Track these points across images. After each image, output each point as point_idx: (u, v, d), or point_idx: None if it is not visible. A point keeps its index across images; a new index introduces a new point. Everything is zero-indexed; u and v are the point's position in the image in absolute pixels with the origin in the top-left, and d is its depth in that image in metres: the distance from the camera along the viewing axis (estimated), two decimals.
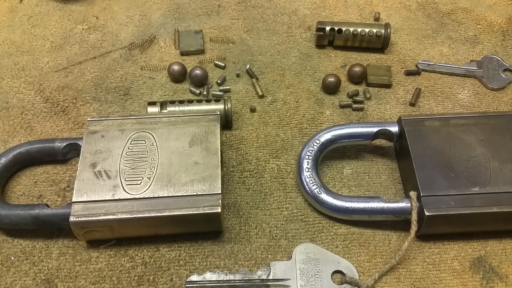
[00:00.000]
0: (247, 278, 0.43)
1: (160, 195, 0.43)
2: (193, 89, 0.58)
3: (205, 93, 0.58)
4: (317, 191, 0.47)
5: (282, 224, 0.47)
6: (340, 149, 0.53)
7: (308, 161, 0.49)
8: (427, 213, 0.43)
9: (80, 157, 0.46)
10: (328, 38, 0.62)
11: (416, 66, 0.61)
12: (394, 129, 0.50)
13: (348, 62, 0.62)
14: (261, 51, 0.63)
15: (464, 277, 0.44)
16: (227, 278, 0.43)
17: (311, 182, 0.47)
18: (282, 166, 0.52)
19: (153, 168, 0.45)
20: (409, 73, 0.60)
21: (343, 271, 0.44)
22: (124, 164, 0.45)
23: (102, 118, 0.49)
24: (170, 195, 0.43)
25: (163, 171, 0.45)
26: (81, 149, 0.46)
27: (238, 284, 0.43)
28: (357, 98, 0.57)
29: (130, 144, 0.47)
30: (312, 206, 0.48)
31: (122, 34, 0.64)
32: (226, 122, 0.54)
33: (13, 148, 0.49)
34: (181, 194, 0.43)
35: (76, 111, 0.56)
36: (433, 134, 0.48)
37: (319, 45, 0.63)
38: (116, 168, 0.45)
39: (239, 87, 0.59)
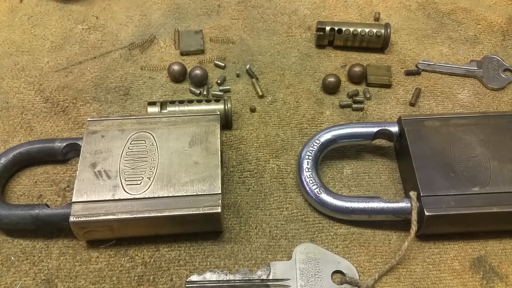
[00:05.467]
0: (247, 278, 0.43)
1: (160, 195, 0.43)
2: (193, 89, 0.58)
3: (205, 93, 0.58)
4: (317, 191, 0.47)
5: (282, 224, 0.47)
6: (340, 149, 0.53)
7: (308, 161, 0.49)
8: (427, 213, 0.43)
9: (80, 157, 0.46)
10: (328, 38, 0.62)
11: (416, 66, 0.61)
12: (394, 129, 0.50)
13: (348, 62, 0.62)
14: (261, 51, 0.63)
15: (464, 277, 0.44)
16: (227, 278, 0.43)
17: (311, 182, 0.47)
18: (282, 166, 0.52)
19: (153, 168, 0.45)
20: (409, 73, 0.60)
21: (343, 271, 0.44)
22: (124, 164, 0.45)
23: (102, 118, 0.49)
24: (170, 195, 0.43)
25: (163, 171, 0.45)
26: (81, 149, 0.46)
27: (238, 284, 0.43)
28: (357, 98, 0.57)
29: (130, 144, 0.47)
30: (312, 206, 0.48)
31: (122, 34, 0.64)
32: (226, 122, 0.54)
33: (13, 148, 0.49)
34: (181, 194, 0.43)
35: (76, 111, 0.56)
36: (433, 134, 0.48)
37: (319, 45, 0.63)
38: (116, 168, 0.45)
39: (239, 87, 0.59)
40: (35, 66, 0.60)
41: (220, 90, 0.58)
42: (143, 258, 0.45)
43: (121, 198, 0.43)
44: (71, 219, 0.42)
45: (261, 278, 0.43)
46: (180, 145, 0.47)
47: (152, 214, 0.42)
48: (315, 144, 0.50)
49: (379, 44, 0.62)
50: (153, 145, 0.47)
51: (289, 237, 0.46)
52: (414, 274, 0.44)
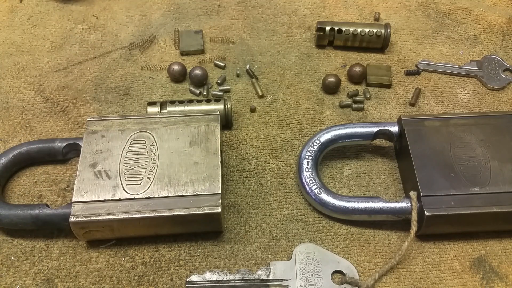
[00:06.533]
0: (247, 278, 0.43)
1: (160, 195, 0.43)
2: (193, 89, 0.58)
3: (205, 93, 0.58)
4: (317, 191, 0.47)
5: (282, 224, 0.47)
6: (340, 149, 0.53)
7: (308, 161, 0.49)
8: (427, 213, 0.43)
9: (80, 157, 0.46)
10: (328, 38, 0.62)
11: (416, 66, 0.61)
12: (394, 129, 0.50)
13: (348, 62, 0.62)
14: (261, 51, 0.63)
15: (464, 277, 0.44)
16: (227, 278, 0.43)
17: (311, 182, 0.47)
18: (282, 166, 0.52)
19: (153, 168, 0.45)
20: (409, 73, 0.60)
21: (343, 271, 0.44)
22: (124, 164, 0.45)
23: (102, 118, 0.49)
24: (170, 195, 0.43)
25: (163, 171, 0.45)
26: (81, 149, 0.46)
27: (238, 284, 0.43)
28: (357, 98, 0.57)
29: (130, 144, 0.47)
30: (312, 206, 0.48)
31: (122, 34, 0.64)
32: (226, 122, 0.54)
33: (13, 148, 0.49)
34: (181, 194, 0.43)
35: (76, 111, 0.56)
36: (433, 134, 0.48)
37: (319, 45, 0.63)
38: (116, 168, 0.45)
39: (239, 87, 0.59)
40: (35, 66, 0.60)
41: (220, 90, 0.58)
42: (143, 258, 0.45)
43: (121, 198, 0.43)
44: (71, 219, 0.42)
45: (261, 278, 0.43)
46: (180, 145, 0.47)
47: (152, 214, 0.42)
48: (315, 144, 0.50)
49: (379, 44, 0.62)
50: (153, 145, 0.47)
51: (289, 237, 0.46)
52: (414, 274, 0.44)
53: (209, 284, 0.42)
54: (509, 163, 0.46)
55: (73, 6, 0.68)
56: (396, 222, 0.47)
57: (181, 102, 0.53)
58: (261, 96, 0.58)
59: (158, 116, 0.49)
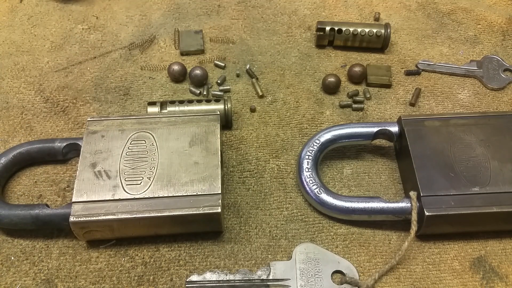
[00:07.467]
0: (247, 278, 0.43)
1: (160, 195, 0.43)
2: (193, 89, 0.58)
3: (205, 93, 0.58)
4: (317, 191, 0.47)
5: (282, 224, 0.47)
6: (340, 149, 0.53)
7: (308, 161, 0.49)
8: (427, 213, 0.43)
9: (80, 157, 0.46)
10: (328, 38, 0.62)
11: (416, 66, 0.61)
12: (394, 129, 0.50)
13: (348, 62, 0.62)
14: (261, 51, 0.63)
15: (464, 277, 0.44)
16: (227, 278, 0.43)
17: (311, 182, 0.47)
18: (282, 166, 0.52)
19: (153, 168, 0.45)
20: (409, 73, 0.60)
21: (343, 271, 0.44)
22: (124, 164, 0.45)
23: (102, 118, 0.49)
24: (170, 195, 0.43)
25: (163, 171, 0.45)
26: (81, 149, 0.46)
27: (238, 284, 0.43)
28: (357, 98, 0.57)
29: (130, 144, 0.47)
30: (312, 206, 0.48)
31: (122, 34, 0.64)
32: (226, 122, 0.54)
33: (13, 148, 0.49)
34: (181, 194, 0.43)
35: (76, 111, 0.56)
36: (433, 134, 0.48)
37: (319, 45, 0.63)
38: (116, 168, 0.45)
39: (239, 87, 0.59)
40: (35, 66, 0.60)
41: (220, 90, 0.58)
42: (143, 258, 0.45)
43: (121, 198, 0.43)
44: (71, 219, 0.42)
45: (261, 278, 0.43)
46: (180, 145, 0.47)
47: (152, 214, 0.42)
48: (315, 144, 0.50)
49: (379, 44, 0.62)
50: (153, 145, 0.47)
51: (289, 237, 0.46)
52: (414, 274, 0.44)
53: (209, 284, 0.42)
54: (509, 163, 0.46)
55: (73, 6, 0.68)
56: (396, 222, 0.47)
57: (181, 102, 0.53)
58: (261, 96, 0.58)
59: (158, 116, 0.49)
